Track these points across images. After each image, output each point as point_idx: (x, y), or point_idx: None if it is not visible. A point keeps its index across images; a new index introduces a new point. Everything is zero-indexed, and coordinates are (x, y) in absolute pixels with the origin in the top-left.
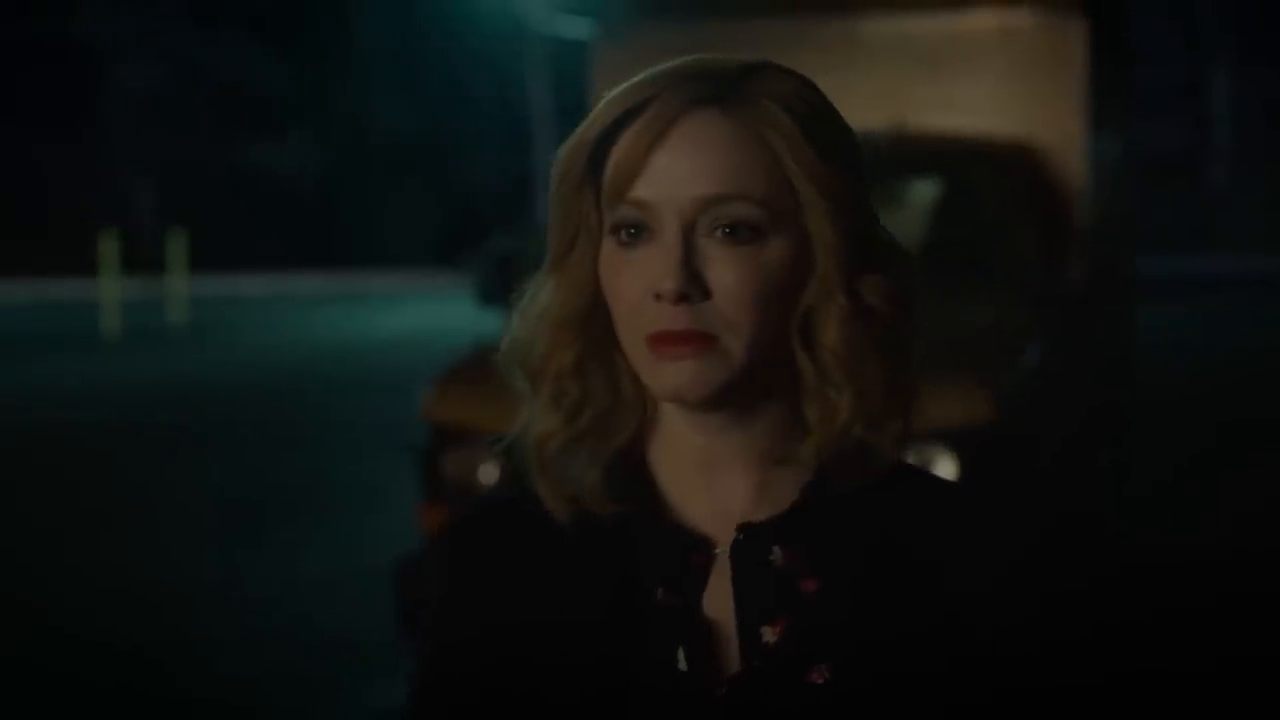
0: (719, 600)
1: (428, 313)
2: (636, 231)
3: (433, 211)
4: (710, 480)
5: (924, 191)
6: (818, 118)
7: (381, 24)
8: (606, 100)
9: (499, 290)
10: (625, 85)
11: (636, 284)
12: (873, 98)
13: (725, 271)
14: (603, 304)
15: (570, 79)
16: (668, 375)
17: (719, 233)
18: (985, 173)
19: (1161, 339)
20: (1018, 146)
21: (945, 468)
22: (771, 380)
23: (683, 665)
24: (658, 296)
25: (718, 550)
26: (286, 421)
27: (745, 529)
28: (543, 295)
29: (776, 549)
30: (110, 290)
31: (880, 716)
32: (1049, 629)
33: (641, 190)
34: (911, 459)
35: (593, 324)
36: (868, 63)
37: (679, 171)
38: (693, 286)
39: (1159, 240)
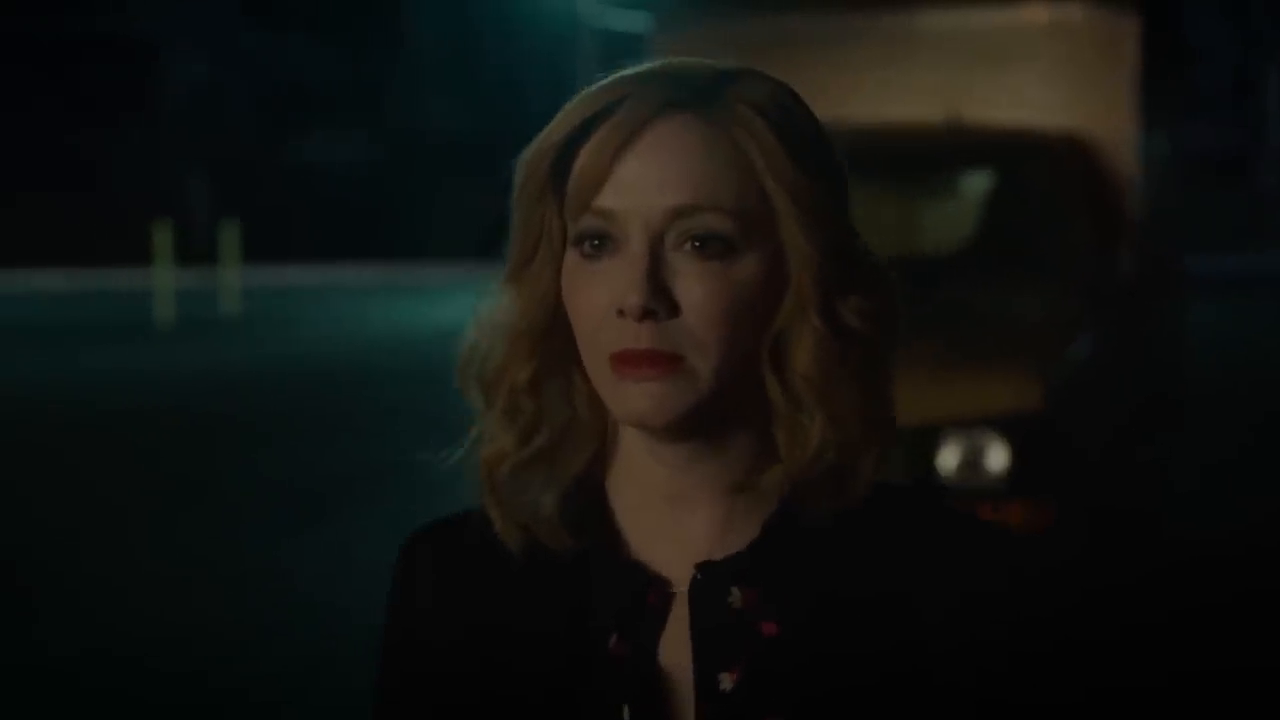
0: (676, 644)
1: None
2: (601, 243)
3: (483, 205)
4: (672, 514)
5: (978, 183)
6: (796, 126)
7: (434, 19)
8: (573, 103)
9: None
10: (593, 87)
11: (600, 299)
12: (928, 91)
13: (694, 286)
14: (563, 318)
15: None
16: (631, 398)
17: (688, 245)
18: (1038, 165)
19: (1211, 336)
20: (1070, 140)
21: (996, 454)
22: (740, 406)
23: (627, 718)
24: (621, 313)
25: (675, 590)
26: (341, 412)
27: (704, 568)
28: (500, 307)
29: (735, 590)
30: (164, 280)
31: None
32: (1022, 655)
33: (607, 199)
34: (962, 445)
35: (551, 339)
36: (923, 56)
37: (647, 180)
38: (659, 302)
39: (1209, 238)
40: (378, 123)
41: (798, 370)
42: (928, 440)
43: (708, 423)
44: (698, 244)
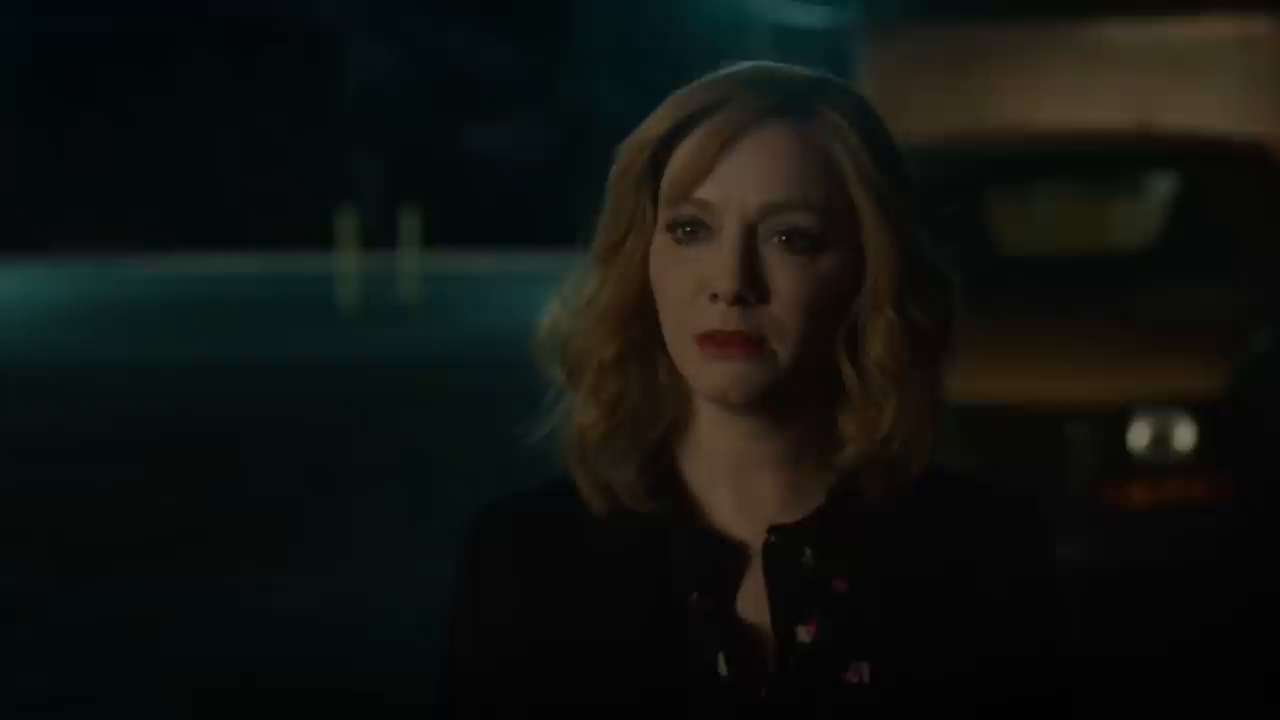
0: (753, 602)
1: None
2: (694, 230)
3: None
4: (741, 482)
5: (1167, 185)
6: (878, 136)
7: (605, 6)
8: (672, 100)
9: None
10: (692, 86)
11: (689, 281)
12: (1118, 98)
13: (781, 277)
14: (649, 299)
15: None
16: (713, 374)
17: (777, 239)
18: (1224, 168)
19: None
20: (1254, 145)
21: (1183, 432)
22: (810, 387)
23: (723, 670)
24: (714, 296)
25: (750, 552)
26: (526, 393)
27: (776, 530)
28: (588, 287)
29: (807, 549)
30: (347, 265)
31: (918, 714)
32: (1053, 638)
33: (706, 191)
34: (1152, 423)
35: (636, 319)
36: (1114, 65)
37: (745, 176)
38: (750, 289)
39: None
40: (549, 109)
41: (873, 358)
42: (1120, 419)
43: (779, 400)
44: (786, 238)
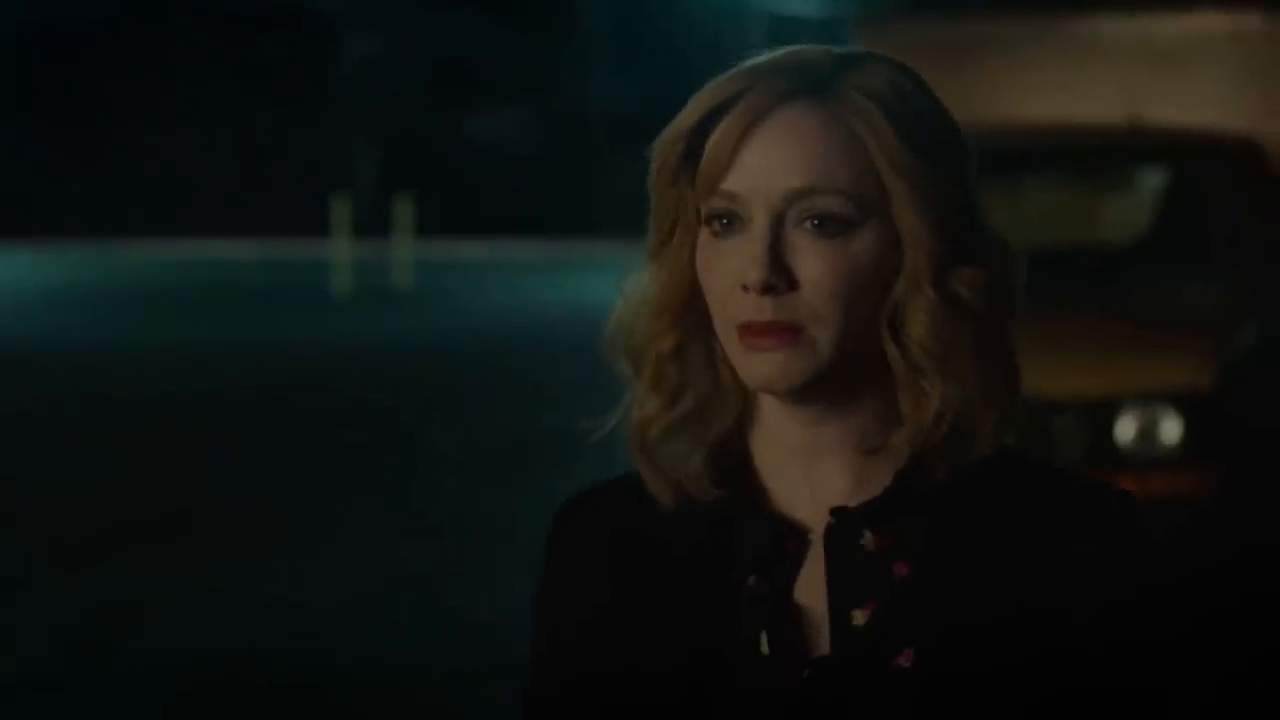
0: (812, 585)
1: None
2: (729, 222)
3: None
4: (808, 468)
5: (1156, 179)
6: (912, 110)
7: None
8: (702, 91)
9: None
10: (721, 76)
11: (727, 274)
12: (1108, 92)
13: (812, 263)
14: (701, 292)
15: None
16: (756, 366)
17: (807, 224)
18: (1213, 164)
19: None
20: (1243, 141)
21: (1169, 426)
22: (865, 371)
23: (765, 649)
24: (745, 287)
25: (811, 536)
26: (519, 381)
27: (838, 513)
28: (644, 282)
29: (868, 533)
30: (341, 252)
31: (963, 703)
32: (1148, 623)
33: (732, 182)
34: (1139, 417)
35: (691, 311)
36: (1104, 59)
37: (768, 164)
38: (779, 278)
39: None
40: (545, 99)
41: (914, 338)
42: (1107, 412)
43: (834, 386)
44: (816, 223)
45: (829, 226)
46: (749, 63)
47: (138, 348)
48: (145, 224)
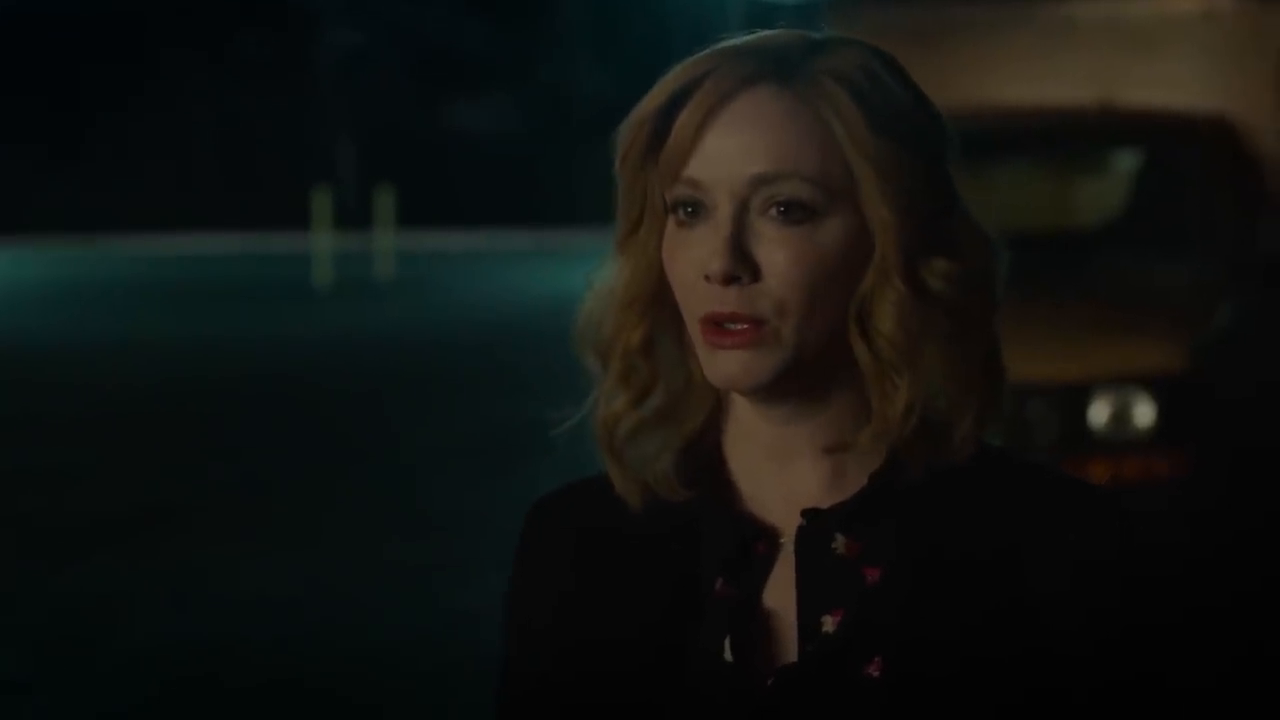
0: (781, 589)
1: None
2: (694, 210)
3: None
4: (781, 469)
5: (1129, 162)
6: (882, 94)
7: None
8: (667, 75)
9: None
10: (687, 60)
11: (691, 264)
12: (1082, 74)
13: (777, 251)
14: (668, 285)
15: None
16: (720, 363)
17: (773, 211)
18: (1186, 146)
19: None
20: (1216, 122)
21: (1143, 409)
22: (836, 368)
23: (728, 656)
24: (708, 278)
25: (783, 539)
26: (502, 371)
27: (809, 515)
28: (611, 274)
29: (840, 536)
30: (323, 244)
31: (932, 714)
32: (1129, 625)
33: (695, 169)
34: (1112, 400)
35: (660, 304)
36: (1078, 42)
37: (731, 150)
38: (742, 268)
39: None
40: (527, 89)
41: (883, 333)
42: (1080, 396)
43: (804, 383)
44: (781, 210)
45: (794, 214)
46: (716, 46)
47: (120, 342)
48: (126, 218)
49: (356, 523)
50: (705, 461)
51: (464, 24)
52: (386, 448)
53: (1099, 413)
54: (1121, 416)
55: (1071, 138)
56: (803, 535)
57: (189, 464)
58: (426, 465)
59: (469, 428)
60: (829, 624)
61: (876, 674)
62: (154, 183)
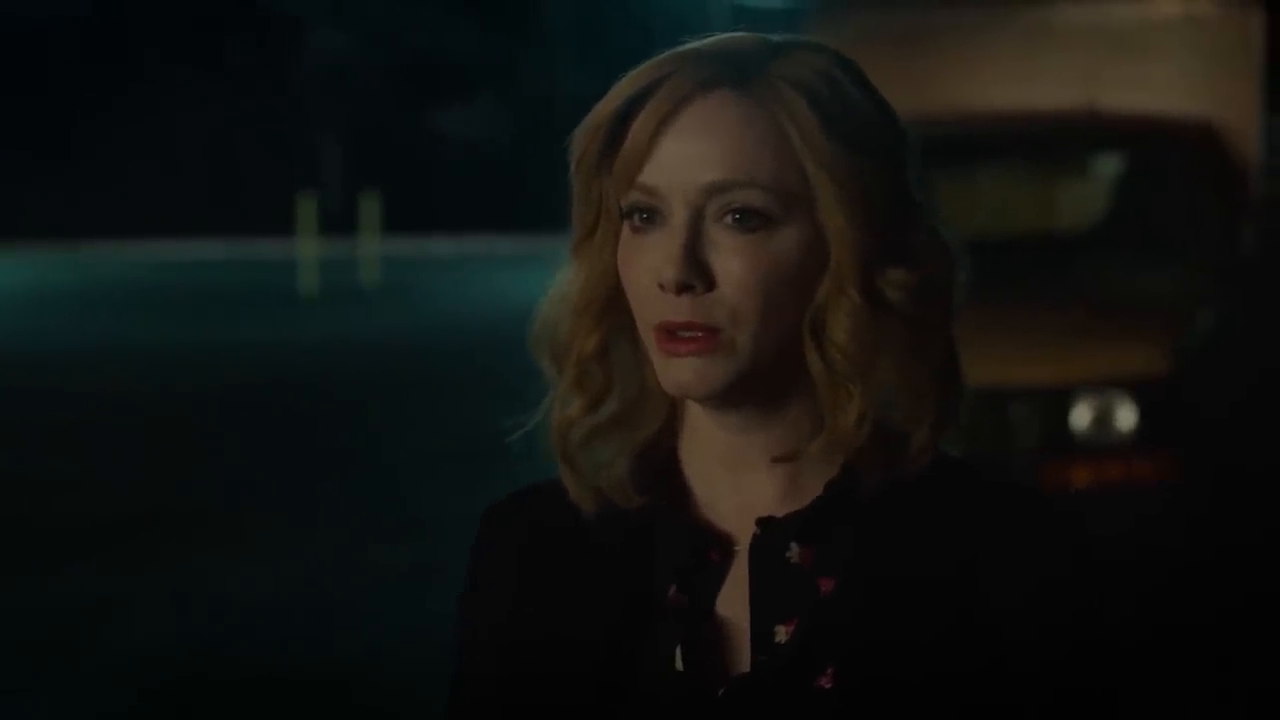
0: (734, 598)
1: None
2: (649, 216)
3: None
4: (736, 476)
5: (1113, 166)
6: (840, 101)
7: None
8: (624, 78)
9: None
10: (642, 65)
11: (645, 271)
12: (1069, 79)
13: (731, 260)
14: (623, 291)
15: None
16: (673, 371)
17: (728, 219)
18: (1168, 150)
19: None
20: (1199, 126)
21: (1125, 414)
22: (792, 377)
23: (680, 665)
24: (662, 285)
25: (737, 548)
26: (489, 378)
27: (764, 524)
28: (566, 278)
29: (795, 546)
30: (309, 251)
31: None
32: (1084, 636)
33: (650, 175)
34: (1094, 404)
35: (615, 310)
36: (1061, 46)
37: (686, 156)
38: (696, 276)
39: None
40: (511, 93)
41: (835, 343)
42: (1062, 399)
43: (760, 392)
44: (737, 218)
45: (749, 221)
46: (674, 50)
47: (105, 349)
48: (111, 225)
49: (345, 526)
50: (660, 468)
51: (448, 30)
52: (374, 452)
53: (1081, 416)
54: (1103, 420)
55: (1055, 142)
56: (757, 544)
57: (179, 469)
58: (414, 470)
59: (456, 432)
60: (782, 634)
61: (829, 685)
62: (139, 189)
